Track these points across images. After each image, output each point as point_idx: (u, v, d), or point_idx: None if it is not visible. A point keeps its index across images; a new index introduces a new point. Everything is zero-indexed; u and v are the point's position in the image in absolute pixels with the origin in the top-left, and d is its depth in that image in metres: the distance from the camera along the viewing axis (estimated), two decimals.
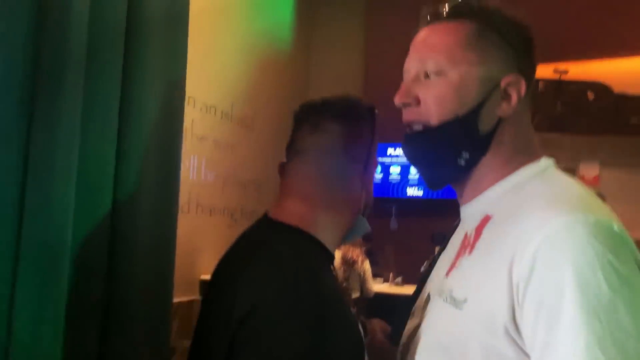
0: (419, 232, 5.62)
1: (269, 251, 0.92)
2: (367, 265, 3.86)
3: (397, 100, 0.82)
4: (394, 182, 5.70)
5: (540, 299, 0.61)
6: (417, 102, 0.80)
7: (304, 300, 0.84)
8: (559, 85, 5.13)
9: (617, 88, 4.89)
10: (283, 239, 0.95)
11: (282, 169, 1.07)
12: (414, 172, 5.64)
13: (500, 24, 0.79)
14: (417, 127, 0.81)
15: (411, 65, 0.82)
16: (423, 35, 0.82)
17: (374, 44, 6.03)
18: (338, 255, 3.74)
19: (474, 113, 0.75)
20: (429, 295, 0.82)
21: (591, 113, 5.02)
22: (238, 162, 5.10)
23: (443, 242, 0.93)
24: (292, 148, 1.03)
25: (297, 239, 0.95)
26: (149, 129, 1.26)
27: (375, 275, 4.70)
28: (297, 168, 0.99)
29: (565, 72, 5.04)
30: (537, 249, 0.63)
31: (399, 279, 4.76)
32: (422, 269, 1.01)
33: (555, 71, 5.08)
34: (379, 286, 4.54)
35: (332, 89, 6.52)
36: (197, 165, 4.54)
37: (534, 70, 0.82)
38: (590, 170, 5.23)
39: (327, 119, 1.00)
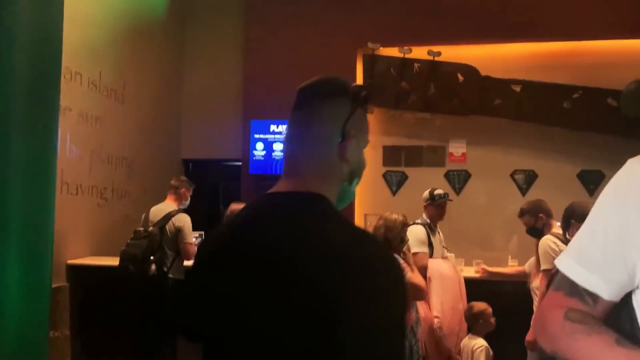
0: None
1: (329, 222, 0.94)
2: None
3: None
4: (277, 159, 5.62)
5: None
6: None
7: (388, 260, 0.91)
8: (432, 67, 5.39)
9: (484, 71, 5.25)
10: (326, 207, 0.99)
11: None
12: None
13: None
14: None
15: None
16: None
17: (253, 15, 5.83)
18: None
19: None
20: None
21: (460, 94, 5.34)
22: (107, 137, 4.66)
23: None
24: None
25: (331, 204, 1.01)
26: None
27: None
28: (291, 147, 1.08)
29: (439, 53, 5.30)
30: None
31: None
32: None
33: (429, 53, 5.31)
34: None
35: (209, 60, 6.26)
36: (60, 140, 4.06)
37: None
38: (459, 148, 5.59)
39: (308, 98, 1.08)
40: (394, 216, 3.17)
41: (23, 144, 1.07)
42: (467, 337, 3.44)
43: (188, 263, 3.75)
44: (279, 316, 0.86)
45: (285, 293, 0.86)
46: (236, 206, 3.58)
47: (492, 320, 3.42)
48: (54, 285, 4.07)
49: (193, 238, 3.86)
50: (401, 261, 2.98)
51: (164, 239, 3.75)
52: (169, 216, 3.81)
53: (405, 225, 3.21)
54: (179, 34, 6.07)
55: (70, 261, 4.14)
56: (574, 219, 2.96)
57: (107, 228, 4.60)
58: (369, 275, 0.85)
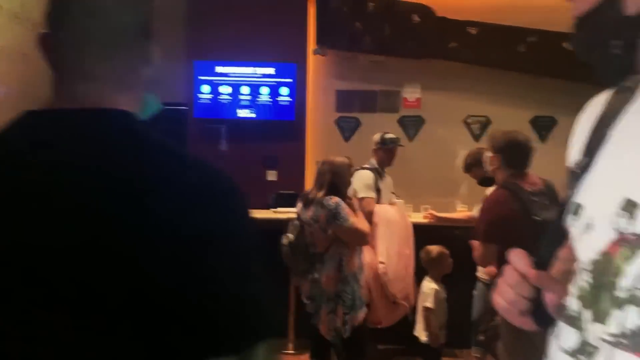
0: (250, 155, 5.42)
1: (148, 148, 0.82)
2: None
3: None
4: (224, 102, 5.35)
5: None
6: None
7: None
8: (388, 6, 5.14)
9: (439, 12, 5.04)
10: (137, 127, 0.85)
11: None
12: (245, 92, 5.34)
13: None
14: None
15: None
16: None
17: None
18: None
19: None
20: (634, 200, 0.64)
21: (415, 36, 5.14)
22: (34, 75, 4.27)
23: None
24: None
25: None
26: None
27: None
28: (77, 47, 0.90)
29: None
30: None
31: None
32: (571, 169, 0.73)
33: None
34: None
35: None
36: None
37: None
38: (413, 93, 5.44)
39: None
40: (339, 159, 3.02)
41: None
42: (425, 280, 3.45)
43: None
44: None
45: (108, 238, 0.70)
46: None
47: (449, 262, 3.43)
48: None
49: None
50: (345, 206, 2.84)
51: None
52: None
53: (349, 168, 3.07)
54: None
55: None
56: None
57: None
58: (211, 208, 0.74)
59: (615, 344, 0.58)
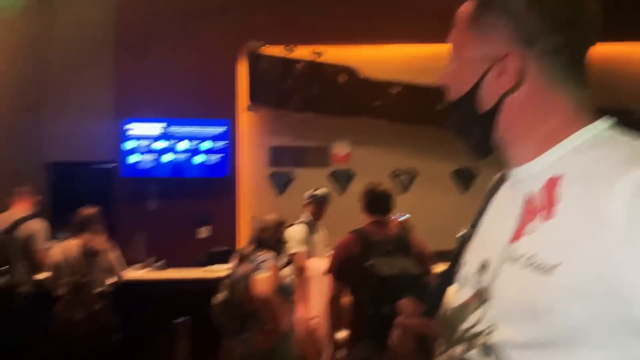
0: (181, 213, 5.34)
1: None
2: (112, 254, 3.44)
3: (438, 82, 0.90)
4: (153, 160, 5.28)
5: None
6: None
7: None
8: (315, 67, 5.36)
9: (364, 73, 5.32)
10: None
11: None
12: (176, 150, 5.31)
13: None
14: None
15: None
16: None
17: (127, 11, 5.45)
18: (76, 246, 3.23)
19: (470, 93, 0.81)
20: (486, 262, 0.81)
21: (342, 95, 5.37)
22: None
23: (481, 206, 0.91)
24: None
25: None
26: None
27: (133, 262, 4.28)
28: None
29: (320, 54, 5.28)
30: (632, 196, 0.65)
31: (161, 263, 4.43)
32: (459, 236, 0.86)
33: (314, 53, 5.29)
34: (137, 273, 4.14)
35: (77, 53, 5.70)
36: None
37: (554, 32, 0.77)
38: (342, 148, 5.62)
39: None
40: (268, 216, 3.06)
41: None
42: None
43: (41, 275, 3.35)
44: None
45: None
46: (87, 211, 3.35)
47: None
48: None
49: (46, 246, 3.46)
50: (272, 265, 2.84)
51: (13, 249, 3.32)
52: (17, 223, 3.39)
53: (280, 224, 3.10)
54: (44, 16, 5.51)
55: None
56: None
57: None
58: None
59: None
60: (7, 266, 3.24)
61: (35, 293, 3.35)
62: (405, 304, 0.95)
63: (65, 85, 5.56)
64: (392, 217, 2.96)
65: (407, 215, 4.05)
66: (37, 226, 3.44)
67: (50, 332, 3.10)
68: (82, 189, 5.65)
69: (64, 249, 3.25)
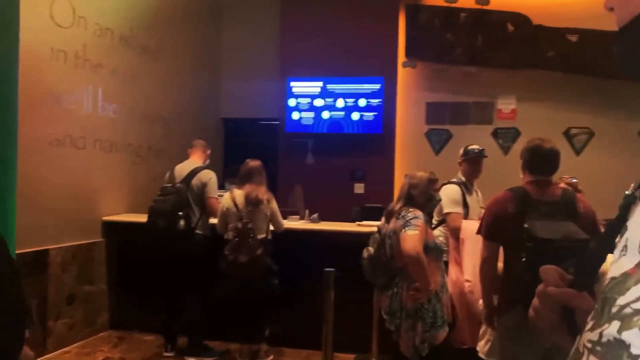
0: (337, 169, 5.49)
1: None
2: (273, 204, 3.66)
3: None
4: (314, 117, 5.47)
5: None
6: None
7: None
8: (480, 16, 4.99)
9: (536, 20, 4.82)
10: None
11: None
12: (335, 107, 5.43)
13: None
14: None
15: None
16: None
17: None
18: (241, 195, 3.50)
19: None
20: None
21: (510, 46, 4.94)
22: (143, 95, 4.65)
23: None
24: None
25: None
26: None
27: (290, 213, 4.53)
28: None
29: (487, 2, 4.90)
30: None
31: (315, 216, 4.63)
32: (626, 194, 0.82)
33: (477, 1, 4.92)
34: (293, 223, 4.39)
35: (247, 18, 6.10)
36: (92, 97, 4.08)
37: None
38: (508, 104, 5.22)
39: None
40: (419, 173, 2.96)
41: None
42: None
43: (213, 220, 3.71)
44: None
45: None
46: (252, 163, 3.59)
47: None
48: (89, 241, 4.19)
49: (217, 194, 3.80)
50: (421, 222, 2.76)
51: (190, 195, 3.72)
52: (194, 172, 3.77)
53: (432, 182, 3.00)
54: None
55: (105, 218, 4.21)
56: None
57: (144, 186, 4.64)
58: None
59: (591, 350, 0.61)
60: (185, 212, 3.65)
61: (209, 236, 3.73)
62: (547, 270, 0.84)
63: (238, 49, 5.98)
64: (557, 180, 2.67)
65: (575, 180, 3.65)
66: (211, 175, 3.78)
67: (220, 272, 3.44)
68: (251, 142, 6.13)
69: (231, 197, 3.55)
